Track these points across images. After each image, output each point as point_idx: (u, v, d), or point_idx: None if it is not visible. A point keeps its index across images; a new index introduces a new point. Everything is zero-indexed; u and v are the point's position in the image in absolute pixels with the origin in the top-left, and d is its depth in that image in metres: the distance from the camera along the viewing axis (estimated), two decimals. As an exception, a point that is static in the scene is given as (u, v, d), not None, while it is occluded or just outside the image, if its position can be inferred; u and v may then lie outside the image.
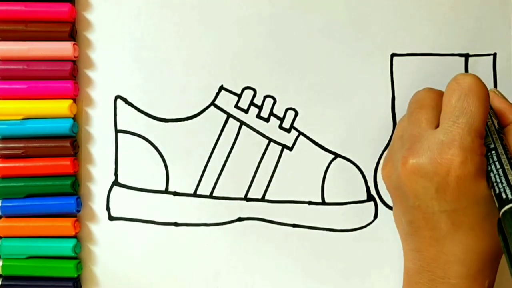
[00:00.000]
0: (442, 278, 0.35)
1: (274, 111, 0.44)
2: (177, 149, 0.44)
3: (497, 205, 0.34)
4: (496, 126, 0.37)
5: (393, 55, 0.44)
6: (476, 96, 0.35)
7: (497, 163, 0.35)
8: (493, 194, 0.34)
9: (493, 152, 0.35)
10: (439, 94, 0.38)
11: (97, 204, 0.45)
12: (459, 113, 0.35)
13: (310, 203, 0.44)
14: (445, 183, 0.34)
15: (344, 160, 0.44)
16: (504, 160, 0.35)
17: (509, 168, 0.34)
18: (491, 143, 0.36)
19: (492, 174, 0.35)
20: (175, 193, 0.44)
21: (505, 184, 0.34)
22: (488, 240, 0.36)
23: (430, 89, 0.39)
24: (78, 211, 0.44)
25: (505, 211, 0.33)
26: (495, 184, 0.34)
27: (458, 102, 0.36)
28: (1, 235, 0.44)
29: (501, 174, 0.34)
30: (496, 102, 0.39)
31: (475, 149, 0.34)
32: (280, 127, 0.44)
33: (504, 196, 0.33)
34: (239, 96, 0.44)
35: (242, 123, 0.44)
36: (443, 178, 0.34)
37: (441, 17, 0.44)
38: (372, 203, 0.44)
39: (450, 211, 0.35)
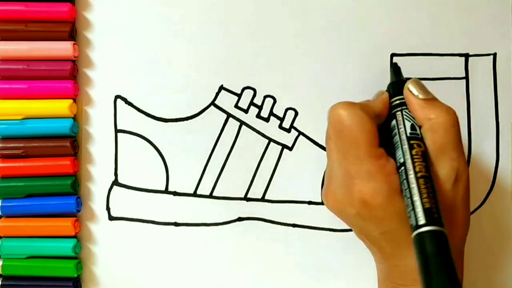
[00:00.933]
0: (403, 286, 0.35)
1: (274, 111, 0.44)
2: (177, 149, 0.44)
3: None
4: (408, 132, 0.35)
5: (393, 55, 0.44)
6: (338, 132, 0.35)
7: (405, 182, 0.33)
8: None
9: (402, 168, 0.34)
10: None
11: (97, 204, 0.45)
12: (336, 152, 0.36)
13: (310, 203, 0.44)
14: (365, 213, 0.35)
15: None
16: (411, 176, 0.33)
17: (415, 187, 0.33)
18: (401, 157, 0.34)
19: (403, 195, 0.33)
20: (175, 193, 0.44)
21: (410, 207, 0.32)
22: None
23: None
24: (78, 211, 0.44)
25: (413, 237, 0.31)
26: (406, 206, 0.33)
27: (331, 144, 0.36)
28: (1, 235, 0.44)
29: (408, 195, 0.33)
30: (408, 101, 0.36)
31: (376, 175, 0.34)
32: (280, 127, 0.44)
33: (410, 221, 0.32)
34: (239, 96, 0.44)
35: (242, 123, 0.44)
36: (361, 210, 0.35)
37: (441, 17, 0.44)
38: (372, 203, 0.44)
39: (385, 233, 0.35)
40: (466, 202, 0.35)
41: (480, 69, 0.44)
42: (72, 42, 0.43)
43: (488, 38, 0.44)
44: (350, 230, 0.44)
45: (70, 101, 0.43)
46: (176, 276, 0.45)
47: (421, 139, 0.35)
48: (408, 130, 0.35)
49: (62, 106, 0.43)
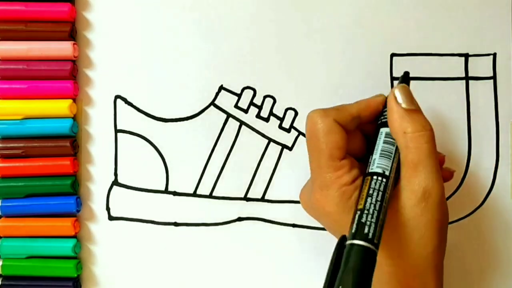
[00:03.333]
0: None
1: (274, 111, 0.44)
2: (177, 149, 0.44)
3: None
4: (381, 147, 0.36)
5: (393, 55, 0.44)
6: (308, 139, 0.37)
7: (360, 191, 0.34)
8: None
9: (366, 177, 0.34)
10: None
11: (96, 204, 0.45)
12: (309, 156, 0.37)
13: (310, 203, 0.44)
14: (324, 218, 0.37)
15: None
16: (364, 190, 0.34)
17: (363, 201, 0.33)
18: (368, 167, 0.35)
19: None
20: (175, 193, 0.44)
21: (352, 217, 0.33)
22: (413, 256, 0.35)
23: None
24: (78, 211, 0.44)
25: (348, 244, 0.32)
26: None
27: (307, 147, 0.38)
28: (1, 235, 0.44)
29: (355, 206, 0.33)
30: (389, 108, 0.36)
31: (330, 185, 0.35)
32: (280, 127, 0.44)
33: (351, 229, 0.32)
34: (239, 96, 0.44)
35: (242, 123, 0.44)
36: (319, 214, 0.37)
37: (441, 17, 0.44)
38: (372, 203, 0.44)
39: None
40: (435, 221, 0.34)
41: (480, 69, 0.44)
42: (72, 42, 0.43)
43: (488, 38, 0.44)
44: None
45: (70, 101, 0.43)
46: (176, 276, 0.45)
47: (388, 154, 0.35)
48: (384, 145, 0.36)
49: (62, 106, 0.43)
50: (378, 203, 0.33)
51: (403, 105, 0.35)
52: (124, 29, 0.44)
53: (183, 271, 0.45)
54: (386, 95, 0.38)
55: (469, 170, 0.44)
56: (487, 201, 0.44)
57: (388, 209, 0.34)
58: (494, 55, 0.44)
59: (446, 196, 0.43)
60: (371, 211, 0.32)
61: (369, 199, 0.33)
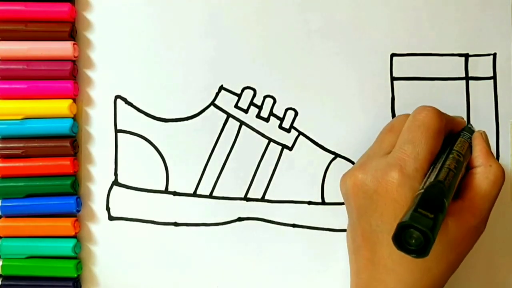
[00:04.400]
0: None
1: (274, 111, 0.44)
2: (177, 149, 0.44)
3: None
4: (462, 159, 0.37)
5: (393, 55, 0.44)
6: (426, 128, 0.37)
7: (432, 167, 0.35)
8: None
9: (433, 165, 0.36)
10: None
11: (97, 204, 0.45)
12: (406, 141, 0.37)
13: (310, 203, 0.44)
14: (383, 203, 0.36)
15: (344, 160, 0.44)
16: (438, 165, 0.35)
17: (438, 168, 0.35)
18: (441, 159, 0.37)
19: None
20: (175, 193, 0.44)
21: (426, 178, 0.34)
22: (419, 273, 0.36)
23: (406, 115, 0.40)
24: (78, 211, 0.44)
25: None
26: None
27: (408, 132, 0.37)
28: (1, 235, 0.44)
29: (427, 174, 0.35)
30: (476, 142, 0.39)
31: (417, 177, 0.35)
32: (280, 127, 0.44)
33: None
34: (239, 96, 0.44)
35: (242, 123, 0.44)
36: (381, 198, 0.36)
37: (441, 17, 0.44)
38: (372, 203, 0.44)
39: (385, 233, 0.36)
40: (463, 251, 0.38)
41: (480, 69, 0.44)
42: (72, 42, 0.43)
43: (488, 38, 0.44)
44: (350, 230, 0.44)
45: (70, 101, 0.43)
46: (176, 276, 0.45)
47: (463, 156, 0.37)
48: (456, 148, 0.38)
49: (62, 106, 0.43)
50: (453, 174, 0.35)
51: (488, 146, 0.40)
52: (124, 29, 0.44)
53: (183, 271, 0.45)
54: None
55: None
56: (487, 201, 0.44)
57: (443, 228, 0.35)
58: (494, 55, 0.44)
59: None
60: (450, 175, 0.34)
61: (445, 169, 0.35)
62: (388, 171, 0.36)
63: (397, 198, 0.35)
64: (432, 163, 0.36)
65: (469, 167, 0.39)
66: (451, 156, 0.36)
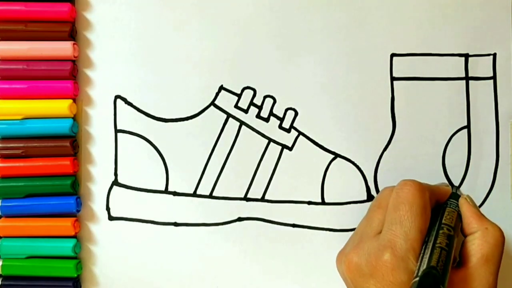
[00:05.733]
0: None
1: (274, 111, 0.44)
2: (177, 149, 0.44)
3: None
4: (452, 233, 0.37)
5: (393, 55, 0.44)
6: (410, 206, 0.37)
7: (422, 248, 0.35)
8: None
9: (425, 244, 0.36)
10: None
11: (97, 204, 0.45)
12: (393, 221, 0.37)
13: (310, 203, 0.44)
14: (381, 286, 0.35)
15: (344, 160, 0.44)
16: (430, 244, 0.35)
17: (429, 251, 0.34)
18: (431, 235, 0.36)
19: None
20: (174, 193, 0.44)
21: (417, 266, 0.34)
22: None
23: (391, 188, 0.39)
24: (78, 211, 0.44)
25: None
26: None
27: (394, 210, 0.37)
28: (1, 235, 0.44)
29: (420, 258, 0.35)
30: (464, 209, 0.39)
31: (410, 258, 0.35)
32: (280, 127, 0.44)
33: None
34: (239, 96, 0.44)
35: (242, 123, 0.44)
36: (379, 281, 0.36)
37: (441, 17, 0.44)
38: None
39: None
40: None
41: (480, 69, 0.44)
42: (72, 42, 0.43)
43: (488, 38, 0.44)
44: (350, 230, 0.44)
45: (70, 101, 0.43)
46: (176, 276, 0.45)
47: (453, 228, 0.37)
48: (445, 221, 0.38)
49: (62, 106, 0.43)
50: (444, 256, 0.35)
51: (477, 209, 0.40)
52: (124, 29, 0.44)
53: (183, 271, 0.45)
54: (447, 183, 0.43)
55: (469, 170, 0.44)
56: (487, 201, 0.44)
57: None
58: (494, 55, 0.44)
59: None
60: (441, 260, 0.34)
61: (436, 251, 0.35)
62: (381, 255, 0.36)
63: (393, 281, 0.35)
64: (424, 240, 0.36)
65: (465, 235, 0.38)
66: (441, 232, 0.36)
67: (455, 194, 0.41)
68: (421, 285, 0.32)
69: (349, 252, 0.38)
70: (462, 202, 0.40)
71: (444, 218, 0.38)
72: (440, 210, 0.39)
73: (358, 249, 0.37)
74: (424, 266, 0.33)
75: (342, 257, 0.39)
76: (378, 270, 0.36)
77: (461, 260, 0.37)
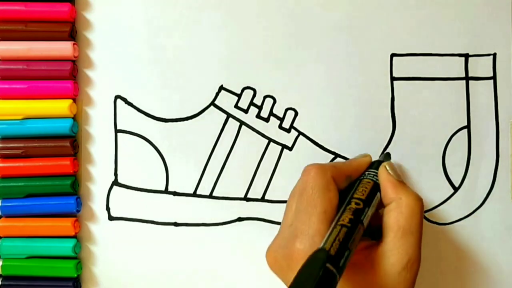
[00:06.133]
0: None
1: (274, 111, 0.44)
2: (177, 149, 0.44)
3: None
4: (361, 206, 0.36)
5: (393, 55, 0.44)
6: (310, 189, 0.36)
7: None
8: None
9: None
10: None
11: (97, 204, 0.45)
12: (299, 207, 0.36)
13: (310, 203, 0.44)
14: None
15: (344, 160, 0.44)
16: (332, 224, 0.34)
17: (329, 231, 0.33)
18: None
19: None
20: (175, 193, 0.44)
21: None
22: None
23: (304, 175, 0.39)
24: (78, 211, 0.44)
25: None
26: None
27: (299, 197, 0.37)
28: (1, 235, 0.44)
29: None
30: (381, 178, 0.38)
31: (316, 242, 0.34)
32: (280, 127, 0.44)
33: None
34: (239, 96, 0.44)
35: (242, 123, 0.44)
36: (294, 265, 0.35)
37: (441, 17, 0.43)
38: (372, 203, 0.44)
39: None
40: None
41: (480, 69, 0.44)
42: (72, 42, 0.43)
43: (488, 38, 0.43)
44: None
45: (70, 101, 0.43)
46: (176, 276, 0.45)
47: (365, 201, 0.36)
48: (356, 194, 0.37)
49: (62, 106, 0.43)
50: (343, 233, 0.33)
51: (395, 177, 0.38)
52: (124, 29, 0.44)
53: (183, 271, 0.45)
54: (370, 156, 0.41)
55: (469, 170, 0.44)
56: (487, 201, 0.44)
57: (368, 273, 0.34)
58: (494, 55, 0.44)
59: (447, 196, 0.44)
60: (337, 240, 0.33)
61: (334, 230, 0.33)
62: (292, 245, 0.35)
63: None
64: (334, 219, 0.35)
65: (384, 206, 0.37)
66: (348, 207, 0.35)
67: (378, 162, 0.40)
68: (305, 269, 0.30)
69: (269, 247, 0.37)
70: (381, 170, 0.39)
71: (356, 191, 0.37)
72: (354, 183, 0.38)
73: (274, 243, 0.37)
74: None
75: (267, 251, 0.38)
76: (293, 260, 0.35)
77: (382, 233, 0.36)
